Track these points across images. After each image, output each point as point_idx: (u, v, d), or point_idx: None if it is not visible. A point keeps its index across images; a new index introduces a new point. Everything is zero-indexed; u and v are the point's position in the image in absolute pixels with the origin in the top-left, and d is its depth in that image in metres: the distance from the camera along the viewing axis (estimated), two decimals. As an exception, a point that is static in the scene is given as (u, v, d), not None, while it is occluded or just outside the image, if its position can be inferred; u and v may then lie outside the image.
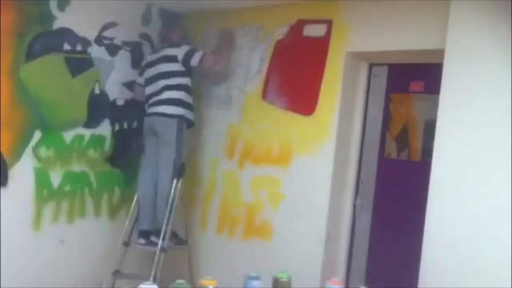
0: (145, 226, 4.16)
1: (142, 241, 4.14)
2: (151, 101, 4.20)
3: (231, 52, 4.41)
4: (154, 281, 3.66)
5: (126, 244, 4.17)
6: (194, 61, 4.14)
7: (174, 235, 4.19)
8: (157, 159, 4.16)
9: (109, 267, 4.10)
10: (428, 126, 3.57)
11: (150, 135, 4.20)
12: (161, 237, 3.95)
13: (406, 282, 3.30)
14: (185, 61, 4.12)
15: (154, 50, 4.38)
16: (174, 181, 4.04)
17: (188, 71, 4.18)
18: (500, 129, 2.89)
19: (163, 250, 3.96)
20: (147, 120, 4.22)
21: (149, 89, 4.23)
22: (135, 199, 4.23)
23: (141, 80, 4.34)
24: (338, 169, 3.86)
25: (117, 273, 4.13)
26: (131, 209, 4.23)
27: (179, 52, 4.13)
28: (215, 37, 4.50)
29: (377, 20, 3.63)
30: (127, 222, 4.20)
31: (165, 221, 3.98)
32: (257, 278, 2.59)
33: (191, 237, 4.44)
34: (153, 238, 4.10)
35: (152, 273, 3.82)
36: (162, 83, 4.14)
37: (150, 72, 4.22)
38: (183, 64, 4.13)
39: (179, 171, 4.08)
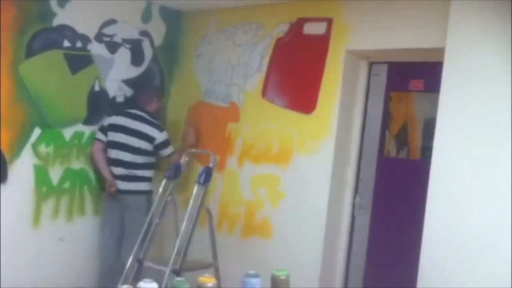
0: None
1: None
2: (115, 170, 4.18)
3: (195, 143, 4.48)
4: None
5: (139, 261, 3.84)
6: (164, 153, 4.26)
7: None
8: (123, 224, 4.21)
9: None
10: (428, 125, 3.57)
11: (114, 203, 4.20)
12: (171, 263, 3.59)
13: (405, 281, 3.30)
14: (157, 148, 4.21)
15: (127, 114, 4.23)
16: (164, 182, 4.00)
17: (154, 152, 4.25)
18: (500, 128, 2.88)
19: (175, 272, 3.58)
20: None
21: (114, 154, 4.20)
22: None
23: (103, 137, 4.23)
24: (338, 167, 3.86)
25: None
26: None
27: (159, 137, 4.20)
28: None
29: (377, 18, 3.63)
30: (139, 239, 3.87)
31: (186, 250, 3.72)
32: (256, 276, 2.59)
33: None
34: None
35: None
36: (130, 157, 4.16)
37: (118, 137, 4.18)
38: (155, 148, 4.21)
39: (175, 172, 4.05)
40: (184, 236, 3.70)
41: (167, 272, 3.52)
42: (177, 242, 3.70)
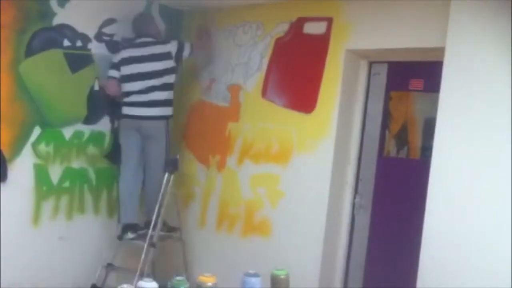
0: (130, 219, 4.15)
1: (130, 235, 4.11)
2: (132, 99, 4.14)
3: (210, 40, 4.51)
4: (141, 276, 3.69)
5: (120, 238, 4.16)
6: (186, 52, 4.19)
7: (164, 224, 4.17)
8: (144, 156, 4.19)
9: (102, 260, 4.16)
10: (428, 124, 3.57)
11: (132, 133, 4.17)
12: (150, 228, 3.97)
13: (405, 281, 3.30)
14: (177, 56, 4.14)
15: (135, 45, 4.21)
16: (166, 176, 4.06)
17: (176, 67, 4.20)
18: (500, 127, 2.88)
19: (152, 245, 3.98)
20: (130, 121, 4.16)
21: (130, 87, 4.14)
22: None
23: (115, 73, 4.19)
24: (338, 167, 3.86)
25: (109, 266, 4.16)
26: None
27: (171, 48, 4.13)
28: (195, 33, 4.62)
29: (377, 18, 3.63)
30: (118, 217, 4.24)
31: (156, 214, 3.99)
32: (255, 275, 2.59)
33: (190, 234, 4.45)
34: (140, 232, 4.11)
35: (139, 267, 3.85)
36: (148, 83, 4.09)
37: (132, 69, 4.13)
38: (176, 59, 4.14)
39: (172, 166, 4.11)
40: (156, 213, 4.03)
41: (145, 246, 3.95)
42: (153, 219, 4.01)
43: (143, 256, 3.90)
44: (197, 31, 4.60)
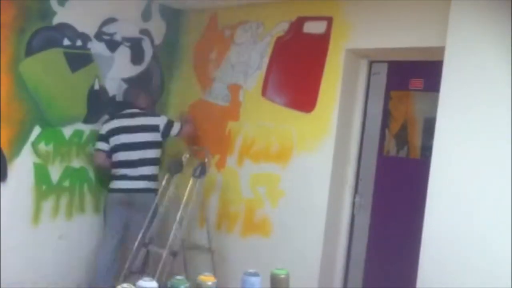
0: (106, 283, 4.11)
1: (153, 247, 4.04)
2: (122, 172, 4.15)
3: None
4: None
5: (145, 245, 4.04)
6: (174, 131, 4.26)
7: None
8: (127, 224, 4.20)
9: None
10: (428, 124, 3.57)
11: (120, 208, 4.17)
12: (171, 237, 3.87)
13: (405, 280, 3.30)
14: (165, 132, 4.21)
15: (123, 116, 4.21)
16: (166, 177, 4.09)
17: (163, 143, 4.28)
18: (500, 127, 2.88)
19: (173, 254, 3.88)
20: (120, 195, 4.16)
21: (122, 156, 4.16)
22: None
23: (104, 146, 4.19)
24: (338, 166, 3.86)
25: (132, 273, 4.00)
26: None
27: (160, 122, 4.21)
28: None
29: (378, 17, 3.62)
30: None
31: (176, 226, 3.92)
32: (255, 274, 2.59)
33: (190, 233, 4.45)
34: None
35: (157, 276, 3.72)
36: (137, 154, 4.14)
37: (126, 138, 4.14)
38: (163, 134, 4.21)
39: (175, 168, 4.12)
40: (179, 222, 3.95)
41: (165, 253, 3.82)
42: (174, 227, 3.92)
43: (161, 264, 3.79)
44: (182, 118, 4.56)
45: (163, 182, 4.12)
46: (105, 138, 4.18)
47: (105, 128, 4.20)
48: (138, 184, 4.16)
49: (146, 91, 4.50)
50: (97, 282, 4.18)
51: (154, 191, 4.21)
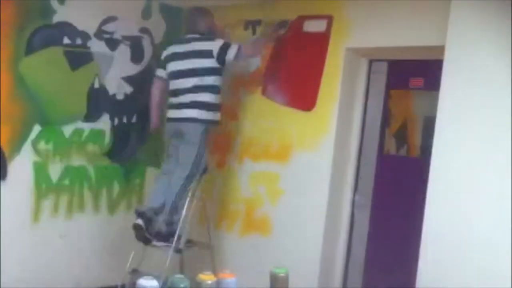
0: (155, 204, 3.90)
1: (160, 243, 3.88)
2: (175, 100, 3.97)
3: (269, 40, 4.16)
4: (165, 283, 3.56)
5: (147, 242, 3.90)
6: (230, 56, 3.86)
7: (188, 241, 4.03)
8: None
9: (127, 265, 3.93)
10: (428, 123, 3.57)
11: (175, 139, 3.99)
12: (176, 235, 3.82)
13: (405, 279, 3.30)
14: (219, 57, 3.86)
15: (180, 41, 4.06)
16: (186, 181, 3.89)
17: (220, 69, 3.92)
18: (500, 126, 2.88)
19: (178, 251, 3.87)
20: (172, 124, 4.00)
21: (175, 85, 3.98)
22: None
23: (162, 73, 4.09)
24: (337, 165, 3.86)
25: (135, 271, 3.89)
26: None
27: (214, 46, 3.87)
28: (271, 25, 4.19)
29: (378, 16, 3.62)
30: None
31: (182, 220, 3.86)
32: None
33: (190, 232, 4.46)
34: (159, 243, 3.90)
35: (163, 273, 3.61)
36: (191, 81, 3.87)
37: (178, 65, 3.96)
38: (218, 59, 3.87)
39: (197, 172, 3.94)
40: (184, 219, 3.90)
41: (171, 251, 3.80)
42: (179, 225, 3.86)
43: (167, 262, 3.75)
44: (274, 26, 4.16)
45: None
46: (162, 64, 4.09)
47: (164, 54, 4.09)
48: (185, 112, 3.88)
49: (208, 12, 4.13)
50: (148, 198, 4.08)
51: (204, 122, 3.88)
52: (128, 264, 3.91)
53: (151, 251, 3.96)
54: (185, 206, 3.91)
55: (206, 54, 3.88)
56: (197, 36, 4.00)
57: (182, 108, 3.92)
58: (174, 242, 3.81)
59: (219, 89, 3.97)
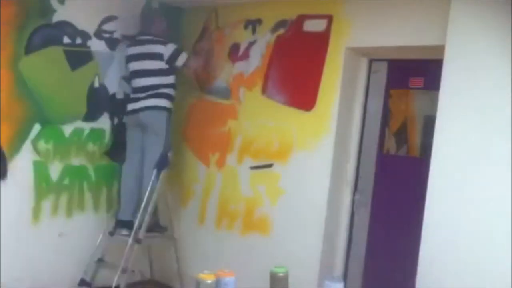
0: (127, 216, 4.17)
1: (125, 231, 4.13)
2: (135, 96, 4.20)
3: (211, 60, 4.49)
4: (125, 272, 3.82)
5: (111, 233, 4.19)
6: (179, 63, 4.18)
7: (156, 223, 4.25)
8: (143, 152, 4.20)
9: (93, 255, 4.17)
10: (428, 122, 3.57)
11: (135, 129, 4.21)
12: (134, 227, 4.02)
13: (405, 278, 3.31)
14: (169, 61, 4.14)
15: (136, 42, 4.25)
16: (154, 172, 4.10)
17: (171, 69, 4.19)
18: (500, 126, 2.88)
19: (137, 241, 4.01)
20: (131, 116, 4.22)
21: (135, 83, 4.23)
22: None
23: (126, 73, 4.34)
24: (337, 164, 3.86)
25: (100, 261, 4.18)
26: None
27: (165, 51, 4.13)
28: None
29: (378, 15, 3.62)
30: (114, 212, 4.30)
31: (144, 212, 4.03)
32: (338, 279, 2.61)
33: (190, 232, 4.46)
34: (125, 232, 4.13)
35: (122, 263, 3.90)
36: (147, 81, 4.14)
37: (135, 65, 4.21)
38: (168, 63, 4.14)
39: (163, 162, 4.12)
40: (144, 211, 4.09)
41: (130, 240, 4.01)
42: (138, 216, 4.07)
43: (126, 251, 3.94)
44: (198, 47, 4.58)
45: (152, 177, 4.10)
46: (126, 65, 4.30)
47: (126, 54, 4.28)
48: (146, 102, 4.13)
49: (162, 16, 4.43)
50: (119, 210, 4.25)
51: (165, 109, 4.16)
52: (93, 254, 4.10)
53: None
54: (146, 197, 4.08)
55: (156, 56, 4.12)
56: (150, 38, 4.19)
57: (143, 99, 4.14)
58: (133, 233, 4.01)
59: (174, 85, 4.24)
